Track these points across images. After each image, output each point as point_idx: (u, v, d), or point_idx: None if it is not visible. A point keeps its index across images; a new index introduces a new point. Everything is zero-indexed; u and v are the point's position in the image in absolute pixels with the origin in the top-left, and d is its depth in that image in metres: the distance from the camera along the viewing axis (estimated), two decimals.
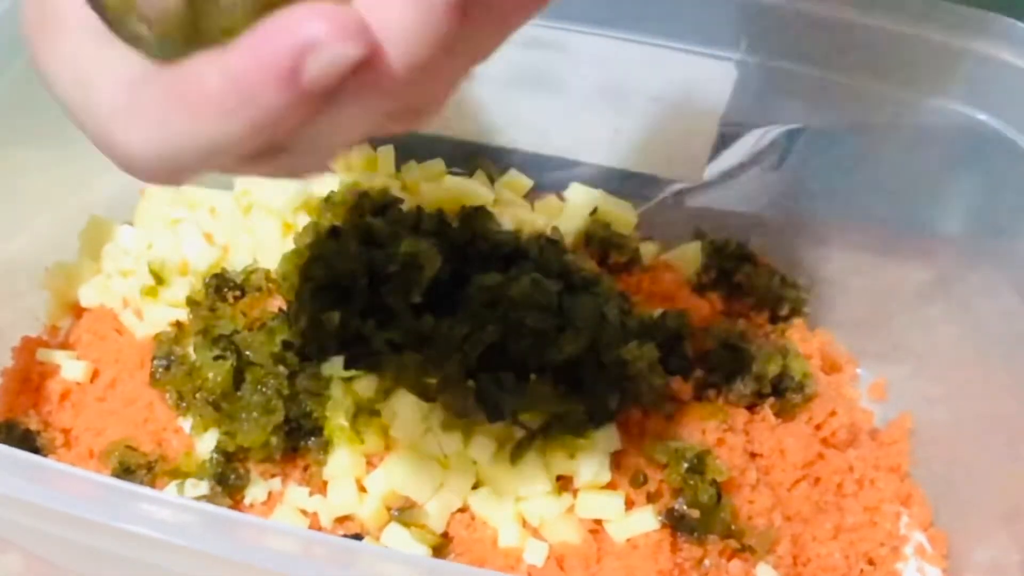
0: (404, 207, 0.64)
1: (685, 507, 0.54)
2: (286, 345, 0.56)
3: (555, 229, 0.66)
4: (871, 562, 0.58)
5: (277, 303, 0.61)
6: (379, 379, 0.55)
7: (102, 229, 0.67)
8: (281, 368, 0.55)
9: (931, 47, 0.56)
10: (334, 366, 0.56)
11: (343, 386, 0.56)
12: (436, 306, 0.56)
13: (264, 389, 0.55)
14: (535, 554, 0.53)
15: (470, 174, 0.70)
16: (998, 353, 0.59)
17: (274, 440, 0.54)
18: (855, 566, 0.57)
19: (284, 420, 0.55)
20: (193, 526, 0.39)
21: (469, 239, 0.60)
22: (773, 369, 0.59)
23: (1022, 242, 0.58)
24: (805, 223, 0.68)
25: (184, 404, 0.57)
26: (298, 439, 0.56)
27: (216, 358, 0.55)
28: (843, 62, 0.59)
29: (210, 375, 0.55)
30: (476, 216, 0.62)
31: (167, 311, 0.62)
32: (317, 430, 0.55)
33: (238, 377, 0.55)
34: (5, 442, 0.55)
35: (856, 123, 0.61)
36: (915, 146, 0.61)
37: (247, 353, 0.56)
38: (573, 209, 0.69)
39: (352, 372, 0.55)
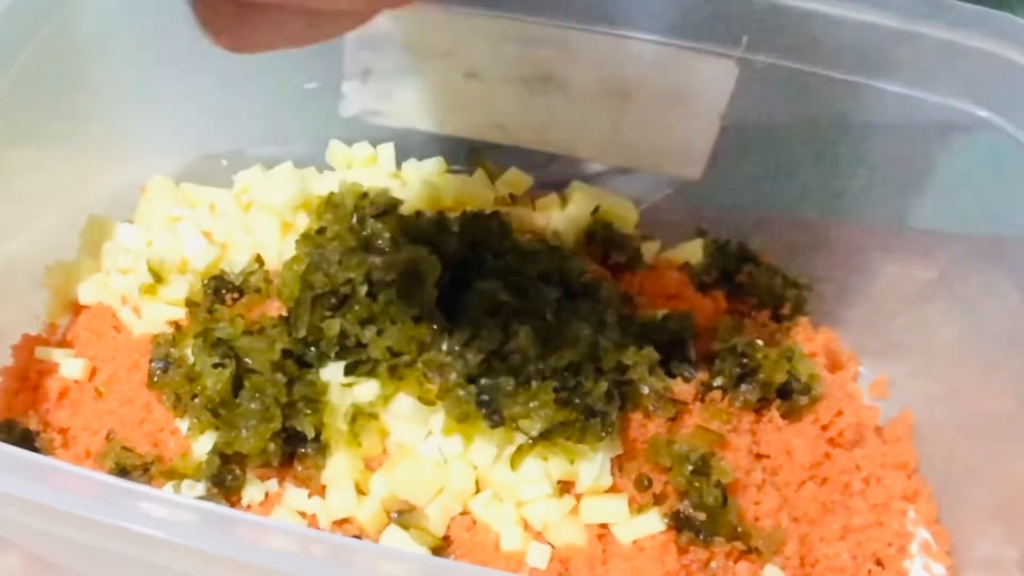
0: (404, 209, 0.64)
1: (691, 509, 0.53)
2: (285, 353, 0.56)
3: (556, 234, 0.66)
4: (879, 562, 0.58)
5: (276, 305, 0.61)
6: (379, 385, 0.55)
7: (102, 227, 0.67)
8: (280, 376, 0.55)
9: (932, 44, 0.56)
10: (334, 372, 0.56)
11: (342, 391, 0.56)
12: (437, 312, 0.56)
13: (262, 397, 0.55)
14: (538, 557, 0.53)
15: (470, 172, 0.70)
16: (999, 351, 0.59)
17: (272, 447, 0.54)
18: (863, 566, 0.57)
19: (282, 428, 0.54)
20: (192, 525, 0.38)
21: (469, 245, 0.60)
22: (780, 377, 0.59)
23: (1023, 240, 0.58)
24: (806, 221, 0.68)
25: (182, 406, 0.57)
26: (296, 445, 0.56)
27: (215, 365, 0.55)
28: (844, 59, 0.58)
29: (209, 382, 0.55)
30: (476, 221, 0.62)
31: (166, 309, 0.62)
32: (315, 437, 0.55)
33: (237, 384, 0.55)
34: (5, 441, 0.55)
35: (857, 121, 0.61)
36: (916, 144, 0.61)
37: (246, 360, 0.56)
38: (574, 207, 0.69)
39: (352, 378, 0.55)
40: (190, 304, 0.62)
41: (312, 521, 0.54)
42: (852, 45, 0.58)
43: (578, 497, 0.54)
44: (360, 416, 0.56)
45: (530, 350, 0.54)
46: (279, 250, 0.64)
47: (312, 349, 0.56)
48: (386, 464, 0.55)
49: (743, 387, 0.59)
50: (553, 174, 0.71)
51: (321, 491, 0.55)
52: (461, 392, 0.54)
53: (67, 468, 0.41)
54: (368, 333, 0.55)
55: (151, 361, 0.59)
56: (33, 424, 0.59)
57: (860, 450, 0.61)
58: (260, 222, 0.65)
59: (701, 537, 0.53)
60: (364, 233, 0.60)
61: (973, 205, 0.61)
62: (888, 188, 0.64)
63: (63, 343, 0.64)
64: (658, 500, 0.54)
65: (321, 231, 0.61)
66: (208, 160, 0.72)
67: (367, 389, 0.55)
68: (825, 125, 0.63)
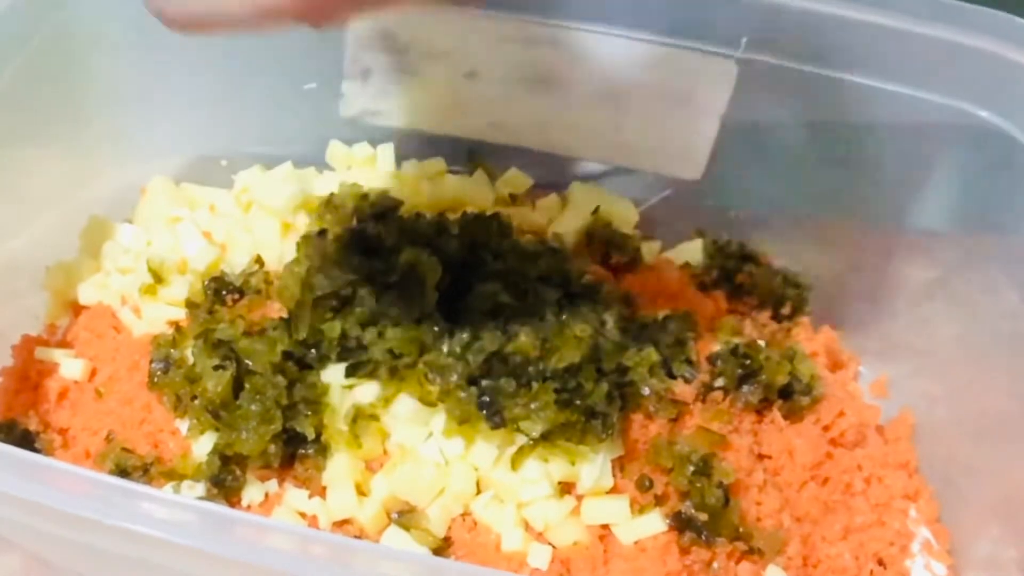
0: (404, 211, 0.64)
1: (692, 510, 0.53)
2: (286, 354, 0.56)
3: (556, 236, 0.66)
4: (880, 562, 0.58)
5: (276, 307, 0.61)
6: (380, 386, 0.55)
7: (102, 228, 0.67)
8: (280, 377, 0.55)
9: (932, 44, 0.56)
10: (334, 373, 0.56)
11: (343, 392, 0.56)
12: (437, 314, 0.56)
13: (263, 398, 0.55)
14: (539, 558, 0.53)
15: (470, 172, 0.70)
16: (999, 351, 0.59)
17: (272, 448, 0.54)
18: (865, 566, 0.57)
19: (283, 429, 0.54)
20: (192, 525, 0.38)
21: (469, 246, 0.60)
22: (781, 378, 0.59)
23: (1023, 240, 0.58)
24: (806, 221, 0.68)
25: (182, 407, 0.57)
26: (296, 447, 0.56)
27: (216, 367, 0.55)
28: (843, 60, 0.58)
29: (210, 383, 0.55)
30: (476, 222, 0.62)
31: (166, 310, 0.62)
32: (315, 438, 0.55)
33: (237, 385, 0.55)
34: (5, 441, 0.55)
35: (857, 121, 0.61)
36: (916, 144, 0.61)
37: (247, 362, 0.56)
38: (574, 208, 0.69)
39: (352, 380, 0.55)
40: (190, 305, 0.62)
41: (312, 522, 0.54)
42: (852, 45, 0.58)
43: (579, 498, 0.54)
44: (361, 417, 0.56)
45: (531, 351, 0.54)
46: (279, 251, 0.64)
47: (313, 351, 0.56)
48: (387, 465, 0.55)
49: (744, 388, 0.59)
50: (553, 174, 0.71)
51: (322, 492, 0.55)
52: (462, 394, 0.54)
53: (67, 468, 0.41)
54: (369, 335, 0.55)
55: (151, 362, 0.59)
56: (33, 424, 0.59)
57: (861, 450, 0.61)
58: (260, 222, 0.65)
59: (703, 537, 0.53)
60: (364, 235, 0.60)
61: (973, 205, 0.61)
62: (888, 188, 0.64)
63: (63, 343, 0.64)
64: (659, 501, 0.54)
65: (322, 233, 0.61)
66: (208, 160, 0.72)
67: (368, 391, 0.55)
68: (825, 125, 0.63)
